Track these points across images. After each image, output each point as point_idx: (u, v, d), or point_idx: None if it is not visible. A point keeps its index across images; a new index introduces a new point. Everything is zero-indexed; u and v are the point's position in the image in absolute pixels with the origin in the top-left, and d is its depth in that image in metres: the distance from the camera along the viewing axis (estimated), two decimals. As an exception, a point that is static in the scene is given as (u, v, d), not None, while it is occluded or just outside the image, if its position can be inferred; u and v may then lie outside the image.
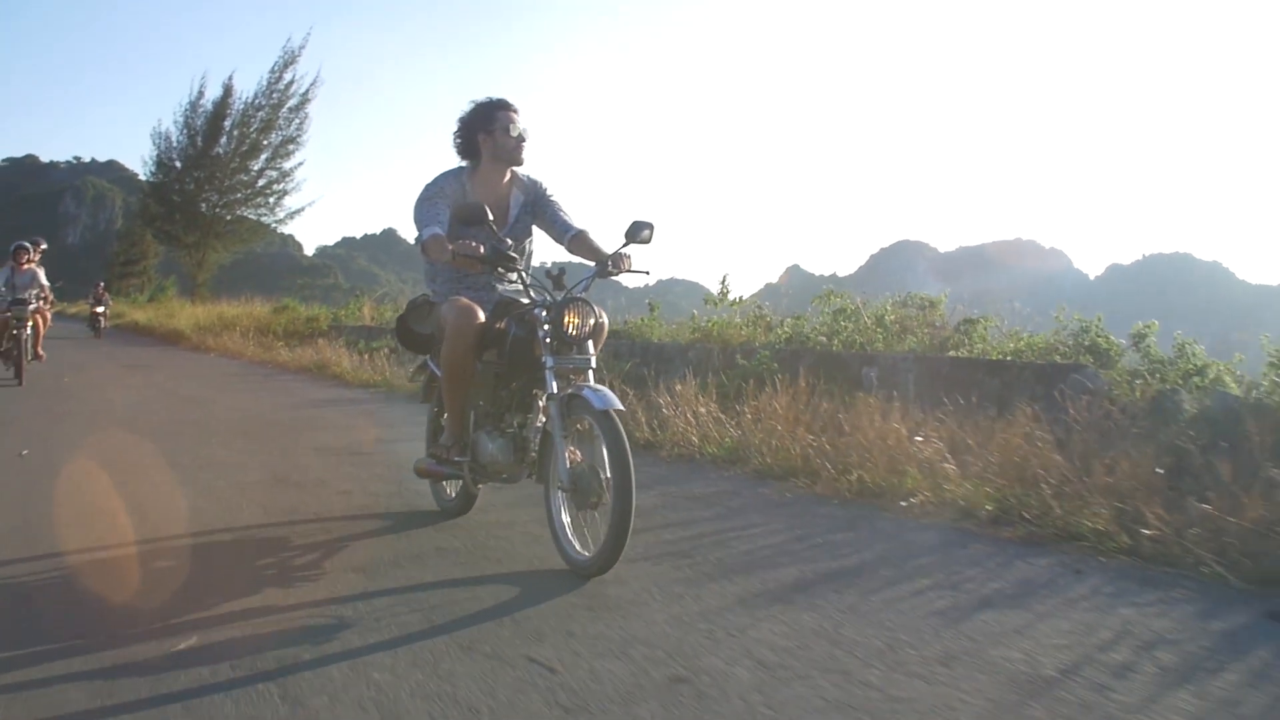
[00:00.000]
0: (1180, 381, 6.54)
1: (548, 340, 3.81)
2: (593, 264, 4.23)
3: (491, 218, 3.91)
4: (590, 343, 3.90)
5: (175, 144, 38.76)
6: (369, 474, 5.80)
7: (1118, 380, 6.59)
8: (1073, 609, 3.29)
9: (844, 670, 2.67)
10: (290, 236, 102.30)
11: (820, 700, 2.46)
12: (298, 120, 38.36)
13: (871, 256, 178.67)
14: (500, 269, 4.06)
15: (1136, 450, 4.63)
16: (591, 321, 3.85)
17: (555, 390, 3.74)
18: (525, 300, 4.28)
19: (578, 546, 3.67)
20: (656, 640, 2.93)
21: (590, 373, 3.86)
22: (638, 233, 4.07)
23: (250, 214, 38.73)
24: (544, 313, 3.86)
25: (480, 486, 4.45)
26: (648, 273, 4.39)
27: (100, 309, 27.10)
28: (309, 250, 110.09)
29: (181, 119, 38.74)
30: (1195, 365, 6.84)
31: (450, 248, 3.90)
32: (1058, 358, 7.49)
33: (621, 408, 3.51)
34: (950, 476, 4.81)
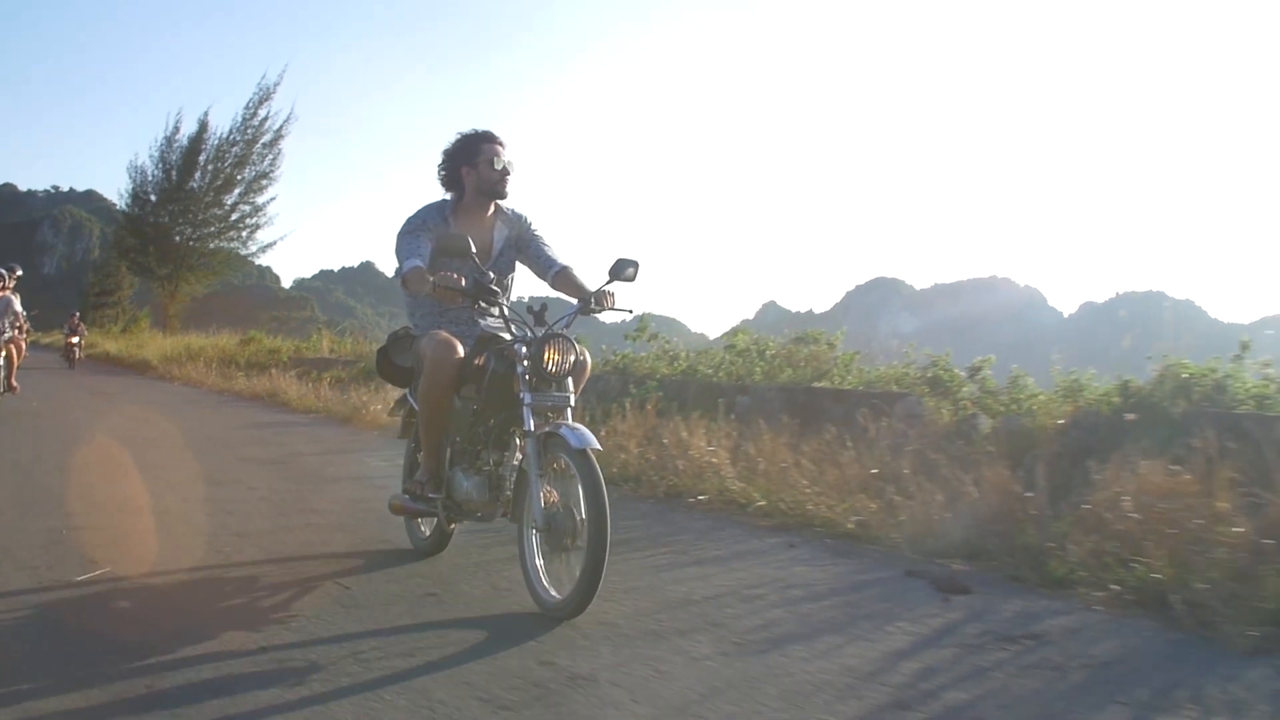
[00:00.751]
0: (1001, 408, 7.70)
1: (526, 376, 3.77)
2: (575, 301, 4.23)
3: (475, 250, 3.90)
4: (570, 380, 3.88)
5: (150, 178, 39.74)
6: (280, 477, 6.96)
7: (939, 406, 7.76)
8: (762, 566, 4.47)
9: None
10: (267, 269, 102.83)
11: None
12: (271, 156, 39.42)
13: (847, 293, 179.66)
14: (481, 302, 4.02)
15: (893, 458, 5.82)
16: (572, 358, 3.82)
17: (532, 428, 3.69)
18: (506, 336, 4.19)
19: (550, 589, 3.61)
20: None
21: (569, 411, 3.84)
22: (622, 270, 4.07)
23: (223, 245, 39.72)
24: (523, 348, 3.82)
25: (454, 525, 4.41)
26: (630, 311, 4.37)
27: (75, 339, 26.53)
28: (286, 283, 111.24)
29: (157, 153, 39.74)
30: (1024, 394, 8.03)
31: (431, 279, 3.88)
32: (894, 386, 8.66)
33: (599, 447, 3.50)
34: (729, 478, 5.98)
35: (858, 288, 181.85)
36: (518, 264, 4.55)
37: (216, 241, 39.42)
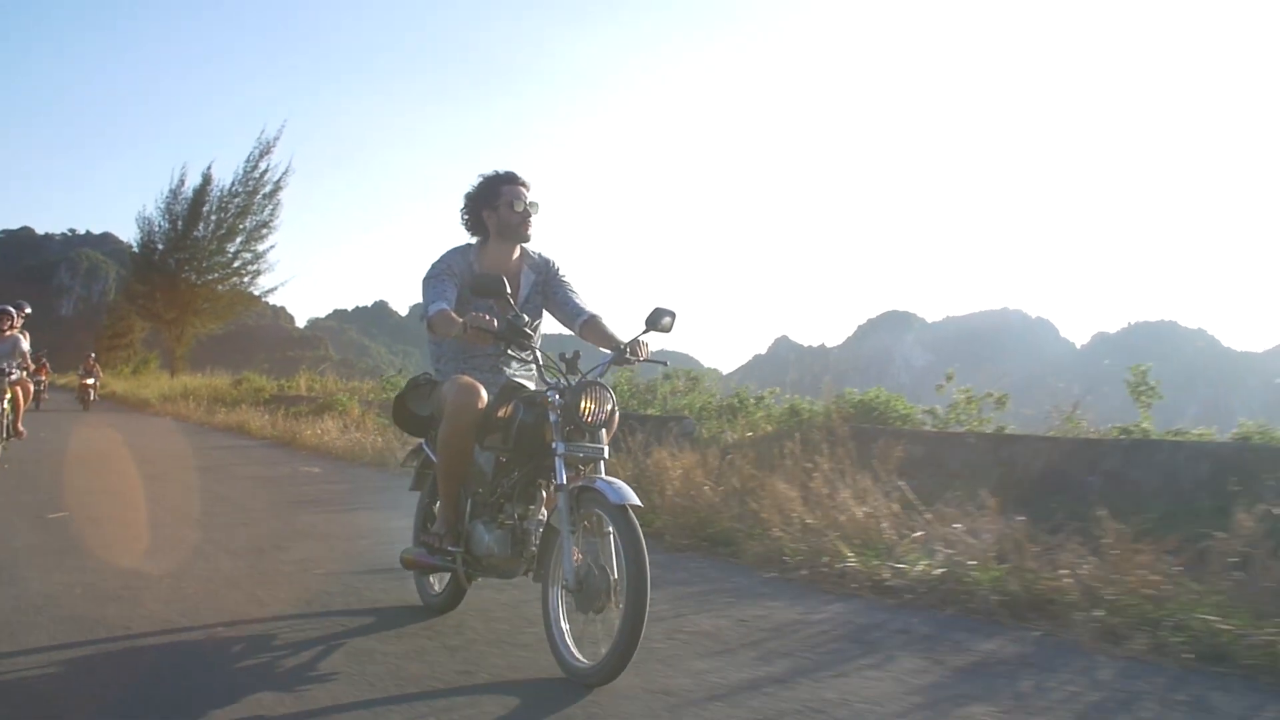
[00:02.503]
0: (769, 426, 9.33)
1: (560, 425, 3.61)
2: (606, 351, 4.08)
3: (510, 290, 3.78)
4: (603, 431, 3.71)
5: (158, 228, 42.02)
6: (213, 480, 8.72)
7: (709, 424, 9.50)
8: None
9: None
10: (281, 309, 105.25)
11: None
12: (271, 206, 41.55)
13: (859, 327, 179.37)
14: (513, 346, 3.83)
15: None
16: (608, 407, 3.65)
17: (565, 480, 3.50)
18: (532, 386, 4.12)
19: (577, 653, 3.41)
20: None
21: (602, 463, 3.67)
22: (658, 320, 3.95)
23: (225, 289, 41.90)
24: (557, 396, 3.66)
25: (471, 582, 4.14)
26: (665, 364, 4.32)
27: (90, 380, 26.70)
28: (300, 322, 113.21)
29: (163, 205, 42.03)
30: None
31: (460, 320, 3.75)
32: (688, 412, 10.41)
33: (638, 503, 3.31)
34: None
35: (870, 321, 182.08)
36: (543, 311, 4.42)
37: (220, 287, 41.58)
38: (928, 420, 8.97)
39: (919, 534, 5.10)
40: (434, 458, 4.22)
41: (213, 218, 41.04)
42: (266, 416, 17.19)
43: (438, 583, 4.41)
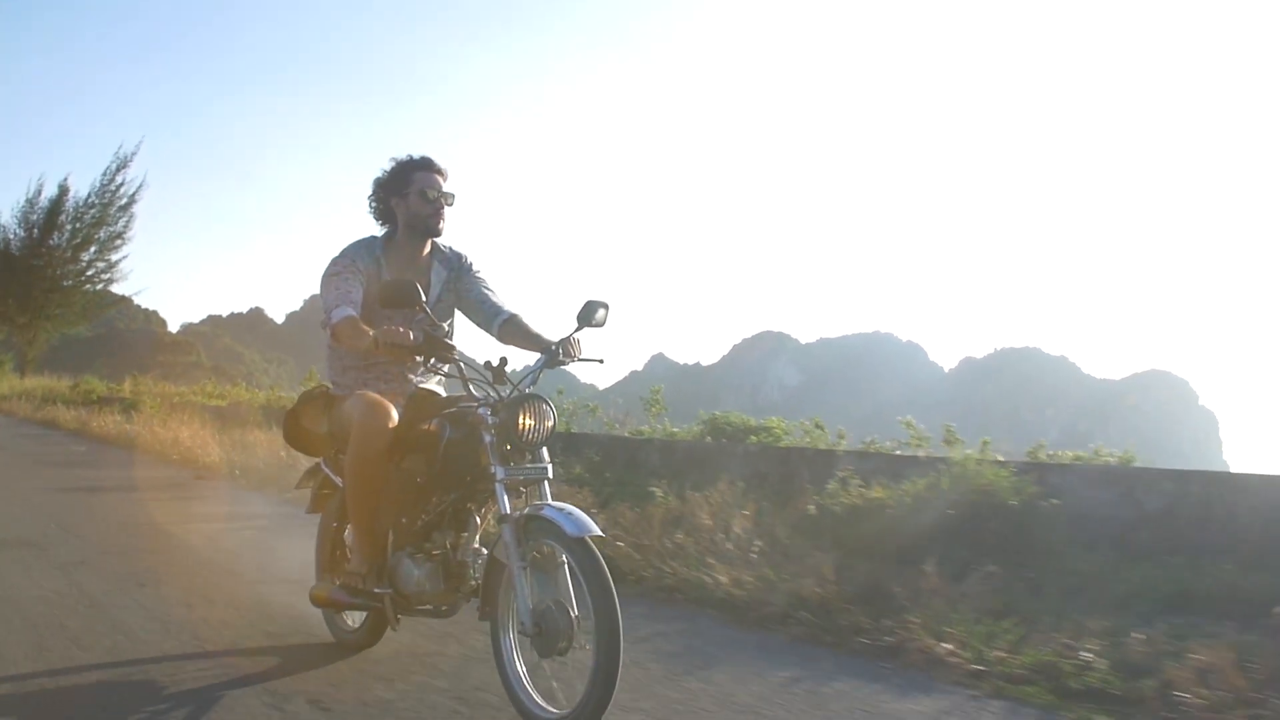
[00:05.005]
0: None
1: (496, 446, 3.22)
2: (535, 354, 3.67)
3: (425, 298, 3.36)
4: (545, 449, 3.33)
5: (14, 236, 43.87)
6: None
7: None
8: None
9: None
10: (154, 313, 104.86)
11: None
12: (125, 218, 43.78)
13: (734, 346, 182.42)
14: (434, 360, 3.50)
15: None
16: (549, 423, 3.27)
17: (509, 509, 3.14)
18: (442, 392, 3.88)
19: (540, 701, 3.09)
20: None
21: (546, 484, 3.31)
22: (591, 314, 3.57)
23: (78, 296, 43.99)
24: (489, 412, 3.26)
25: (399, 621, 3.71)
26: (601, 361, 3.72)
27: None
28: (173, 327, 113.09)
29: (19, 213, 43.91)
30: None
31: (372, 334, 3.34)
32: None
33: (599, 532, 2.97)
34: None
35: (745, 340, 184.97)
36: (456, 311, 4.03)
37: (73, 293, 43.63)
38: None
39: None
40: (336, 479, 3.89)
41: (68, 227, 43.08)
42: (73, 412, 19.93)
43: (353, 618, 3.98)
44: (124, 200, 43.89)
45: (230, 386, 24.07)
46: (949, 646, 4.04)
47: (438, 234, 3.91)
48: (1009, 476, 6.05)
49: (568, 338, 3.62)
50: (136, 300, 51.83)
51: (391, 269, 3.84)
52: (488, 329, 3.93)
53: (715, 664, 4.01)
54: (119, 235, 43.94)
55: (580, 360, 3.66)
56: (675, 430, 10.53)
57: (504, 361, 3.43)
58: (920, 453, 7.64)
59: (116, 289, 44.21)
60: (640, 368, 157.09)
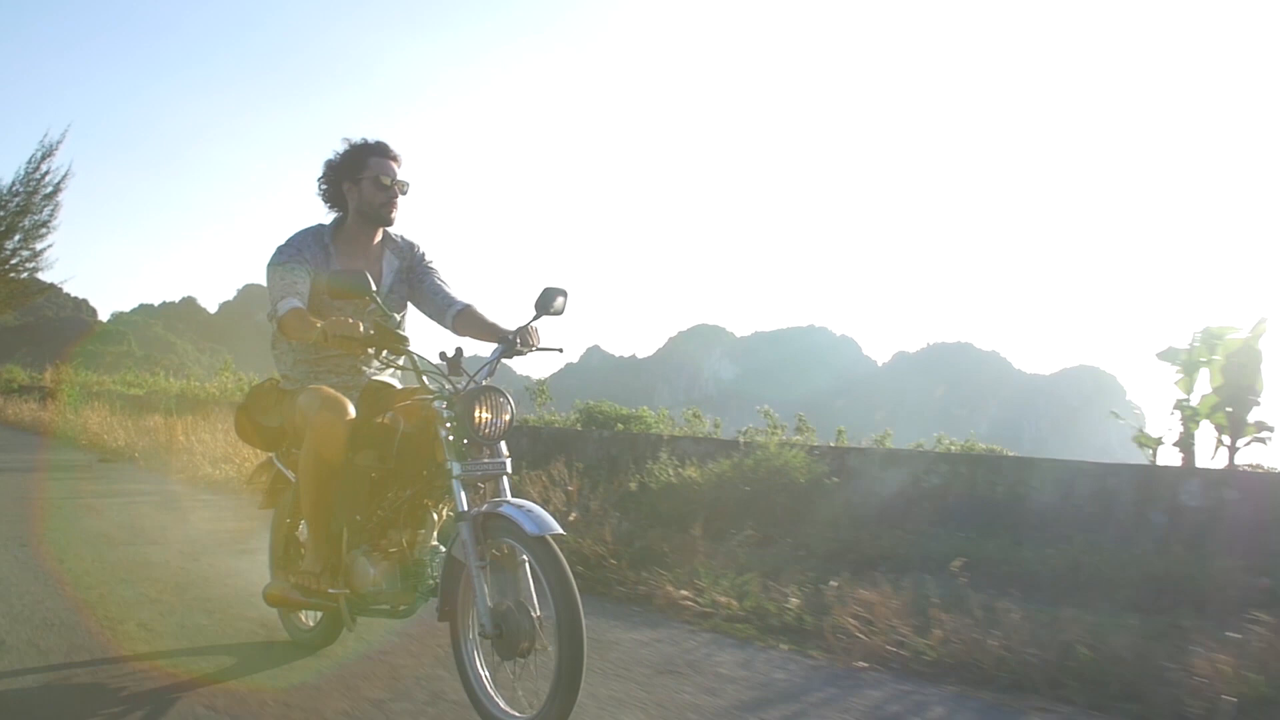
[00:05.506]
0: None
1: (452, 440, 3.13)
2: (491, 344, 3.60)
3: (375, 289, 3.25)
4: (504, 443, 3.22)
5: (-66, 222, 43.55)
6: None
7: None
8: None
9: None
10: (84, 302, 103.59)
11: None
12: (50, 207, 43.66)
13: (670, 339, 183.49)
14: (386, 352, 3.32)
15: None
16: (507, 416, 3.17)
17: (466, 506, 3.05)
18: (397, 384, 3.76)
19: (503, 704, 3.02)
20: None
21: (505, 479, 3.21)
22: (549, 302, 3.46)
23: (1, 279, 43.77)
24: (445, 405, 3.18)
25: (355, 622, 3.59)
26: (561, 350, 3.64)
27: None
28: (104, 315, 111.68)
29: (-59, 200, 43.61)
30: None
31: (320, 325, 3.20)
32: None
33: (560, 530, 2.88)
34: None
35: (680, 334, 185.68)
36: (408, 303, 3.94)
37: (-6, 281, 43.39)
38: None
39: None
40: (288, 474, 3.83)
41: (-10, 215, 42.85)
42: None
43: (309, 617, 3.91)
44: (49, 189, 43.69)
45: (149, 376, 24.52)
46: (686, 593, 4.91)
47: (390, 223, 3.81)
48: (803, 459, 6.96)
49: (525, 326, 3.53)
50: (66, 289, 52.05)
51: (341, 258, 3.75)
52: (441, 320, 3.86)
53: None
54: (44, 224, 43.72)
55: (539, 350, 3.54)
56: (553, 418, 11.40)
57: (459, 352, 3.34)
58: (760, 438, 8.55)
59: (43, 277, 44.09)
60: (576, 360, 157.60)
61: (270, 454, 4.04)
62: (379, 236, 3.86)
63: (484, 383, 3.27)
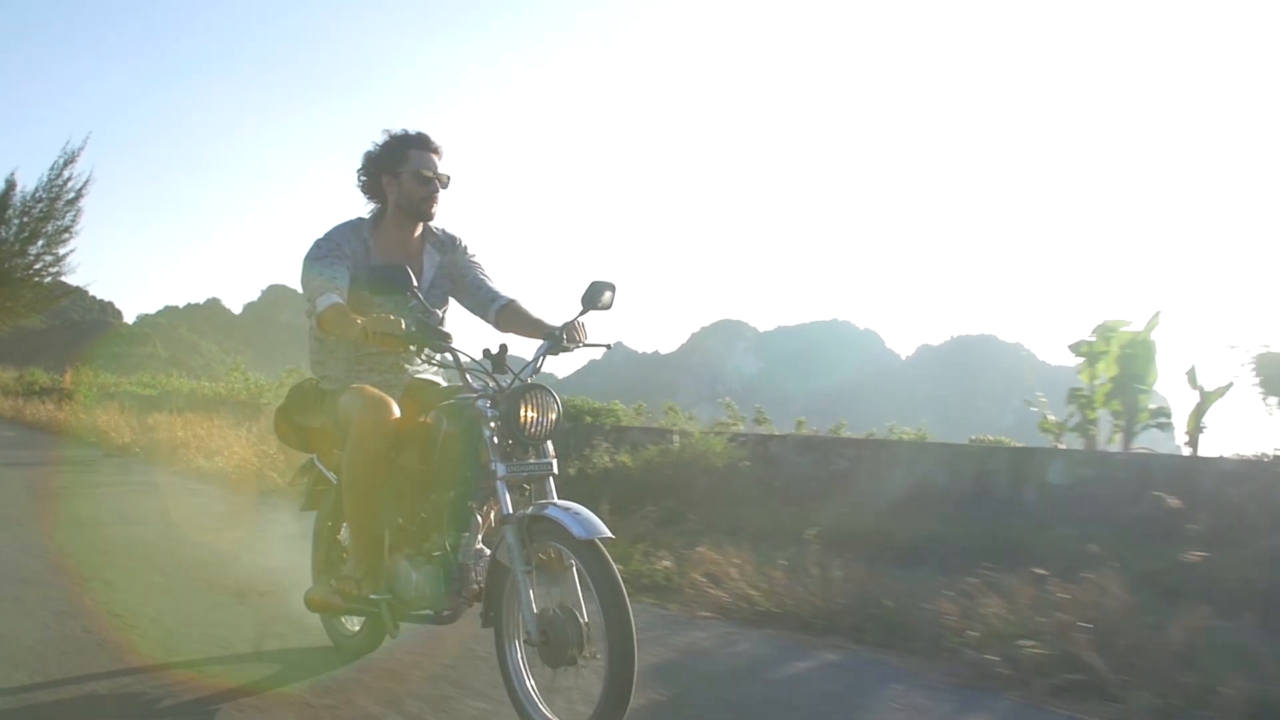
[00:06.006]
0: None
1: (496, 441, 3.04)
2: (536, 341, 3.46)
3: (416, 284, 3.18)
4: (550, 443, 3.14)
5: (-40, 229, 44.84)
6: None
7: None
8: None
9: None
10: (110, 304, 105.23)
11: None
12: (72, 212, 44.85)
13: (693, 335, 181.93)
14: (428, 350, 3.22)
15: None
16: (553, 415, 3.08)
17: (511, 509, 2.96)
18: (442, 382, 3.71)
19: (549, 713, 2.93)
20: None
21: (551, 480, 3.13)
22: (597, 296, 3.36)
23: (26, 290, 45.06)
24: (489, 404, 3.08)
25: (398, 628, 3.49)
26: (609, 346, 3.50)
27: None
28: (129, 318, 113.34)
29: (-35, 207, 44.89)
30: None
31: (361, 322, 3.12)
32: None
33: (609, 534, 2.77)
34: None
35: (703, 329, 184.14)
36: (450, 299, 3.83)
37: (21, 289, 44.68)
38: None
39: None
40: (329, 475, 3.73)
41: (14, 221, 44.08)
42: (11, 401, 21.90)
43: (352, 622, 3.83)
44: (71, 195, 44.83)
45: (165, 377, 25.50)
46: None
47: (430, 219, 3.70)
48: (723, 445, 7.71)
49: (571, 322, 3.42)
50: (91, 292, 53.49)
51: (381, 252, 3.62)
52: (484, 316, 3.75)
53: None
54: (66, 229, 44.89)
55: (586, 345, 3.45)
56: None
57: (504, 349, 3.24)
58: (719, 430, 9.28)
59: (67, 281, 45.38)
60: (599, 357, 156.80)
61: (311, 455, 3.93)
62: (419, 230, 3.74)
63: (529, 380, 3.17)
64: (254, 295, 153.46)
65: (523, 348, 3.60)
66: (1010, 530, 5.91)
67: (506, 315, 3.66)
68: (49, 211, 45.07)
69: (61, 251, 46.42)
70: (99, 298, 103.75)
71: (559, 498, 3.06)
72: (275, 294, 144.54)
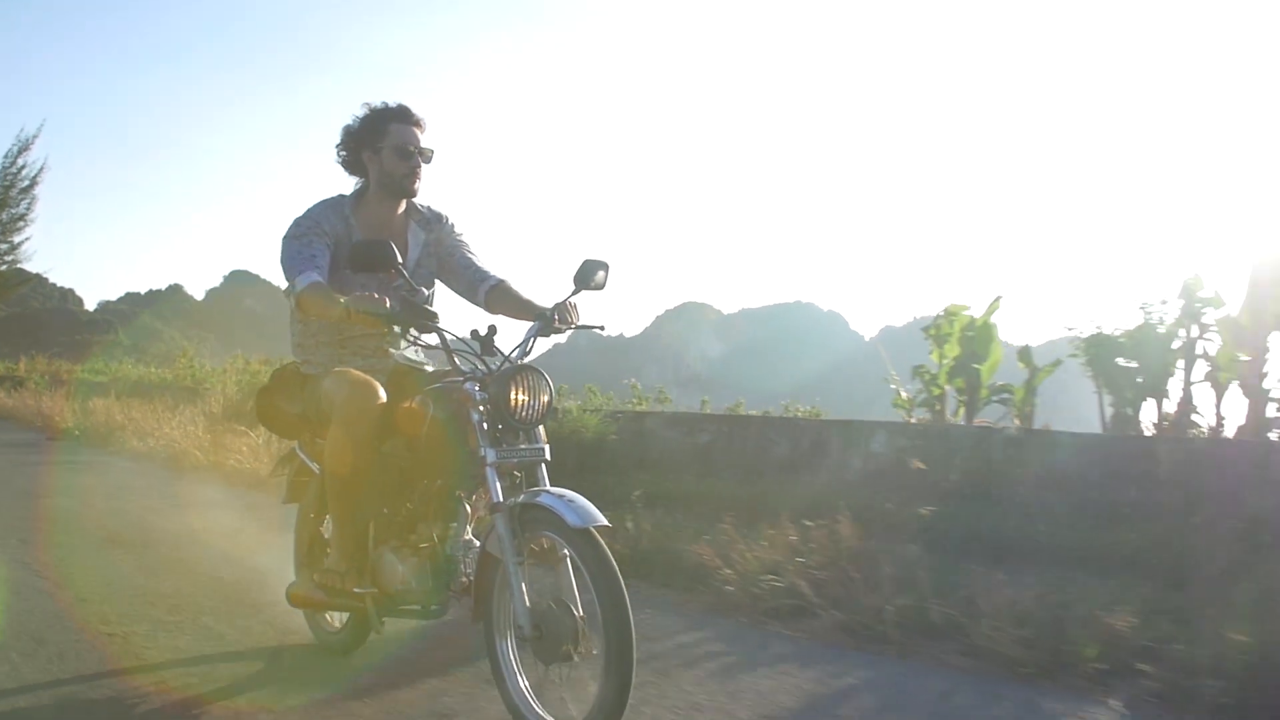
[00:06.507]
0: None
1: (485, 426, 2.88)
2: (526, 322, 3.33)
3: (401, 260, 2.99)
4: (541, 428, 3.01)
5: (-87, 216, 44.96)
6: None
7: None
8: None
9: None
10: (70, 291, 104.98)
11: None
12: (27, 200, 45.12)
13: (657, 318, 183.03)
14: (413, 330, 3.10)
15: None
16: (545, 398, 2.93)
17: (501, 497, 2.80)
18: (429, 368, 3.58)
19: (543, 711, 2.79)
20: None
21: (543, 467, 2.99)
22: (590, 276, 3.23)
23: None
24: (477, 387, 2.93)
25: (383, 623, 3.33)
26: (602, 328, 3.42)
27: None
28: (90, 305, 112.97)
29: (-80, 193, 45.00)
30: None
31: (343, 301, 2.98)
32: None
33: (605, 522, 2.63)
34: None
35: (667, 312, 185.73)
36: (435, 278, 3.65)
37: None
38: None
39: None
40: (312, 465, 3.60)
41: (-32, 209, 44.27)
42: None
43: (336, 619, 3.67)
44: (25, 183, 45.08)
45: (115, 365, 26.11)
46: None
47: (413, 195, 3.53)
48: (596, 421, 8.59)
49: (563, 302, 3.27)
50: (51, 279, 53.88)
51: (363, 230, 3.45)
52: (472, 297, 3.61)
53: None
54: (21, 217, 45.16)
55: (578, 327, 3.32)
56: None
57: (493, 330, 3.07)
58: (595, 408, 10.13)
59: (24, 268, 45.67)
60: (563, 340, 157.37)
61: (294, 445, 3.79)
62: (403, 207, 3.58)
63: (520, 362, 3.05)
64: (216, 281, 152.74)
65: (512, 332, 3.38)
66: (826, 493, 6.80)
67: (496, 296, 3.53)
68: (3, 200, 45.38)
69: (17, 239, 46.69)
70: (59, 285, 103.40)
71: (551, 484, 2.94)
72: (238, 280, 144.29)
